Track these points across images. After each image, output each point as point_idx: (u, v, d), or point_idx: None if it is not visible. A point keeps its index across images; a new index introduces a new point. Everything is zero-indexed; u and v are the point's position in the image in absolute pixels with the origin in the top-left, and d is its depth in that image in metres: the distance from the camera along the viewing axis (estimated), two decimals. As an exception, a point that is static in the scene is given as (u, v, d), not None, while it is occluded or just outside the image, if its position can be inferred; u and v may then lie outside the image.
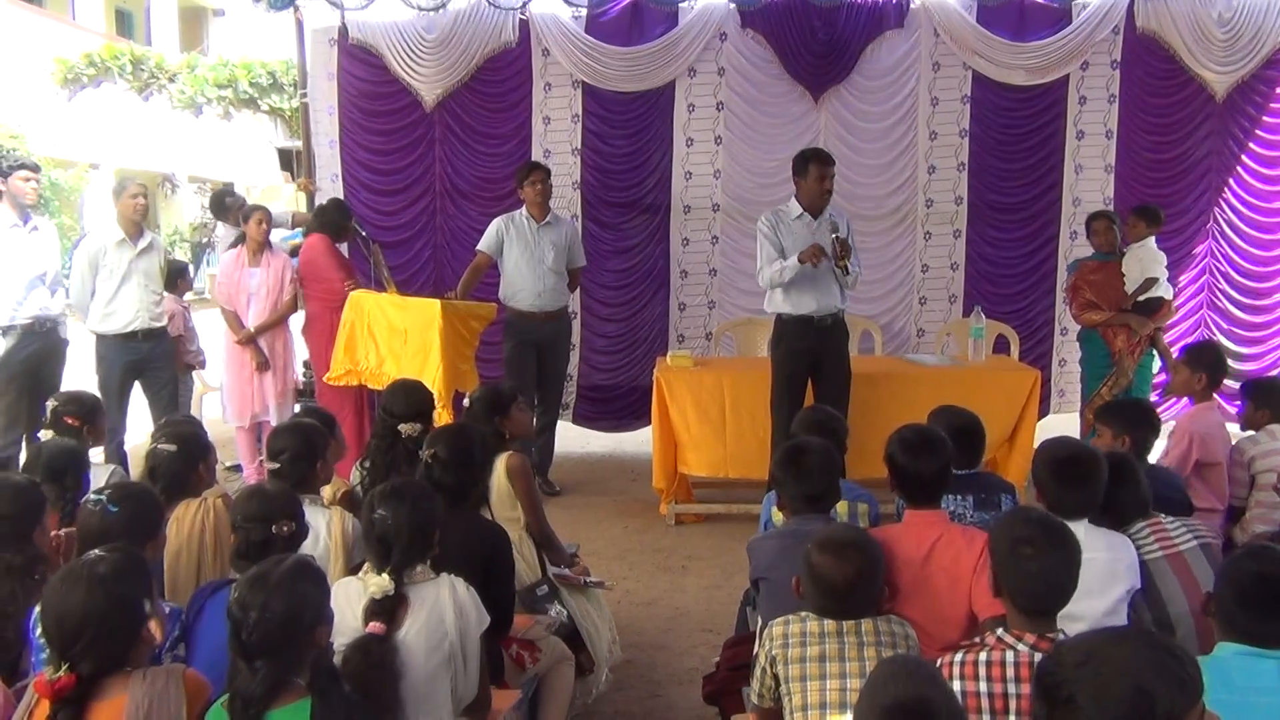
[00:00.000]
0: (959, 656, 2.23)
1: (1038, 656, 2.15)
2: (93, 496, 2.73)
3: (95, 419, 4.04)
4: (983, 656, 2.21)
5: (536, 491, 3.86)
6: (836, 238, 5.21)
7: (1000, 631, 2.26)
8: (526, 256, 6.19)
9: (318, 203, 6.98)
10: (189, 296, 7.34)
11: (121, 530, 2.61)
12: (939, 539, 2.87)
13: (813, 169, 5.35)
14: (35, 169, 5.79)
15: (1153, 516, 3.09)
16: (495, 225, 6.28)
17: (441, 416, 4.71)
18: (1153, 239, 6.17)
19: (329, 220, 6.28)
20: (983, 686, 2.17)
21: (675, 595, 4.93)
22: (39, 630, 2.46)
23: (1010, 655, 2.19)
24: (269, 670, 2.07)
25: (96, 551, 2.24)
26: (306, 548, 2.90)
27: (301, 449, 3.31)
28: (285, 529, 2.69)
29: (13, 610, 2.57)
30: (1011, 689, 2.15)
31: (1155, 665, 1.51)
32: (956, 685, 2.17)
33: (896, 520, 3.59)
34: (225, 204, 7.41)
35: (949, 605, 2.80)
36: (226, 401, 6.28)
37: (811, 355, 5.40)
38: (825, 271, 5.29)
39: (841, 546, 2.42)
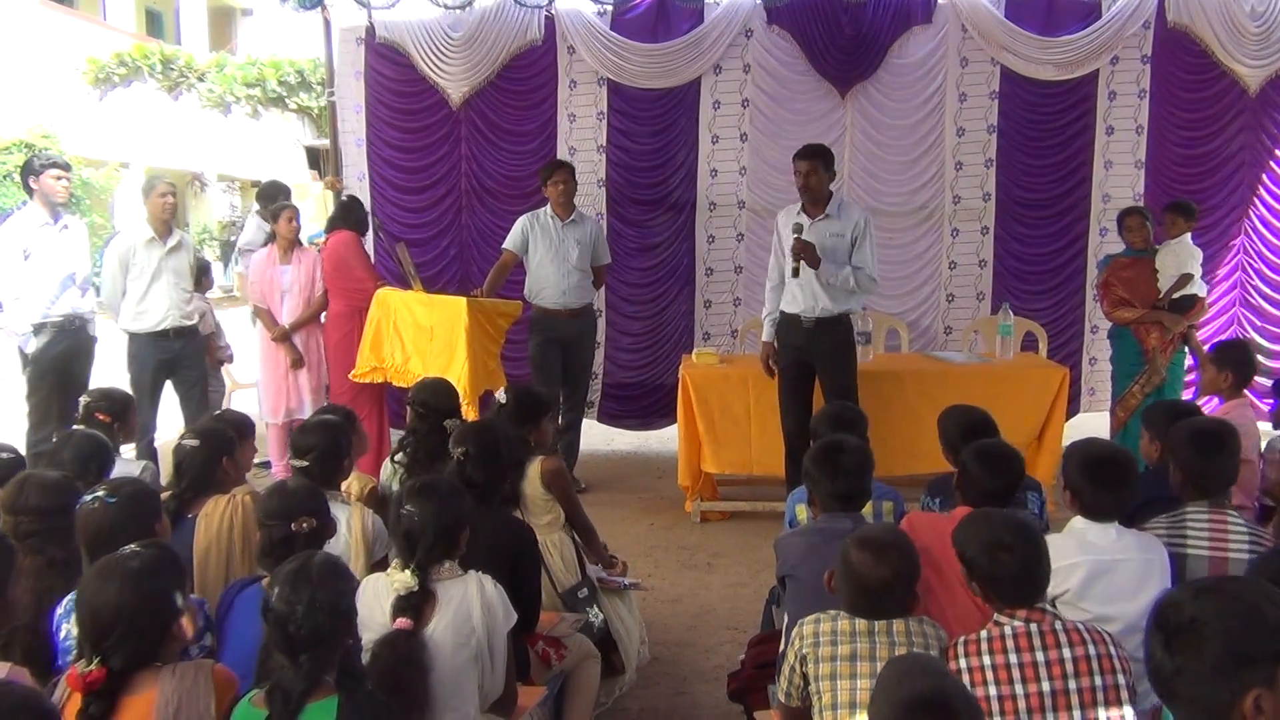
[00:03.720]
0: (961, 639, 2.33)
1: (1032, 626, 2.28)
2: (87, 496, 2.74)
3: (126, 416, 4.09)
4: (983, 634, 2.31)
5: (574, 491, 3.89)
6: (796, 238, 5.15)
7: (995, 616, 2.35)
8: (551, 254, 6.21)
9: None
10: (216, 293, 7.39)
11: (124, 521, 2.63)
12: None
13: (795, 164, 5.30)
14: (66, 167, 5.84)
15: (1222, 507, 2.97)
16: (520, 223, 6.30)
17: (468, 414, 4.72)
18: (1189, 235, 6.10)
19: (355, 216, 6.30)
20: (986, 660, 2.26)
21: (700, 593, 4.93)
22: (63, 630, 2.50)
23: (1008, 629, 2.29)
24: (313, 663, 2.10)
25: (131, 547, 2.26)
26: (328, 544, 2.92)
27: (329, 446, 3.35)
28: (305, 525, 2.70)
29: (47, 604, 2.60)
30: (1013, 659, 2.25)
31: (1266, 594, 1.66)
32: (962, 663, 2.28)
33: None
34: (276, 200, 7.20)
35: None
36: (262, 398, 6.33)
37: (801, 353, 5.36)
38: (809, 272, 5.21)
39: (881, 547, 2.41)
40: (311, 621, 2.10)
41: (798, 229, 5.17)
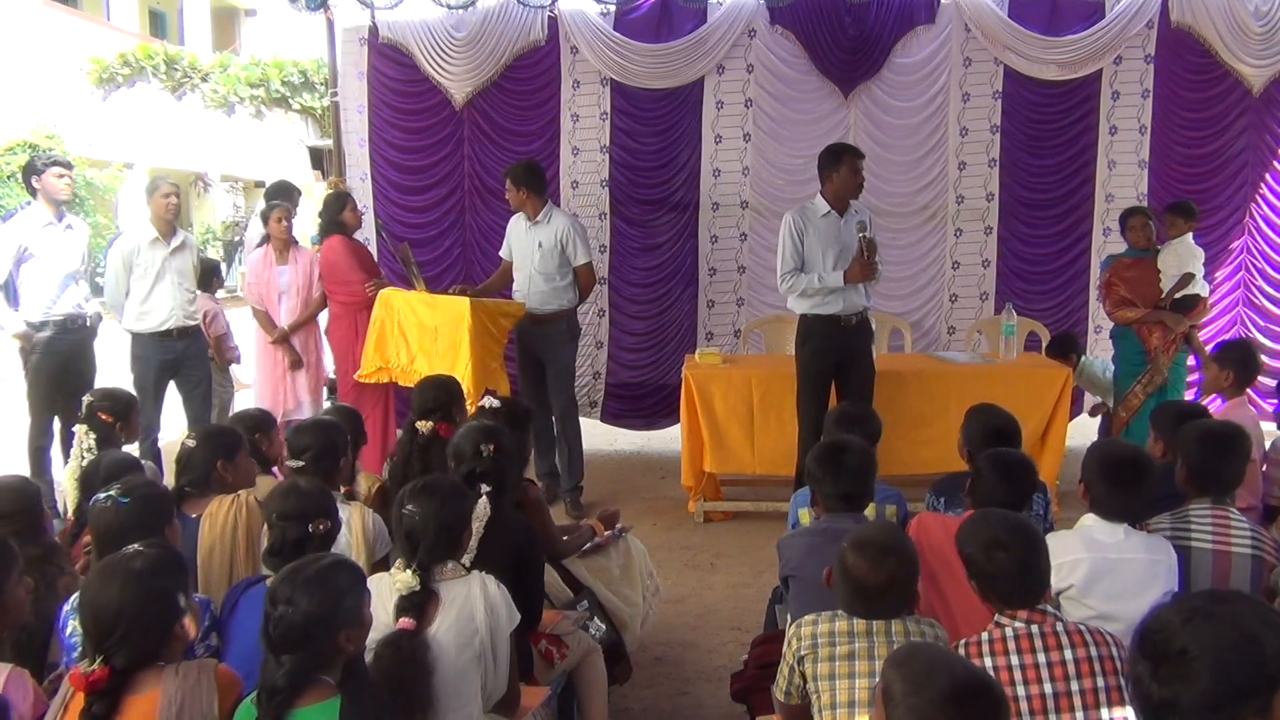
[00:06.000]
0: (962, 641, 2.33)
1: (1034, 628, 2.28)
2: (101, 495, 2.74)
3: (129, 416, 4.10)
4: (984, 636, 2.30)
5: (552, 521, 3.82)
6: (864, 237, 5.17)
7: (996, 617, 2.35)
8: (519, 257, 6.10)
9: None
10: (221, 294, 7.39)
11: (135, 522, 2.63)
12: None
13: (847, 161, 5.24)
14: (68, 165, 5.83)
15: (1224, 504, 3.01)
16: (508, 226, 6.27)
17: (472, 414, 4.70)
18: (1190, 235, 6.10)
19: (334, 216, 6.15)
20: (988, 662, 2.25)
21: (703, 593, 4.93)
22: (69, 628, 2.50)
23: (1009, 630, 2.29)
24: (294, 665, 2.09)
25: (134, 547, 2.26)
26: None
27: (324, 447, 3.34)
28: (321, 527, 2.69)
29: (32, 601, 2.60)
30: (1015, 660, 2.24)
31: (1260, 617, 1.56)
32: None
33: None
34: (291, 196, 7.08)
35: None
36: (258, 399, 6.33)
37: (837, 354, 5.35)
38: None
39: (879, 552, 2.39)
40: (285, 624, 2.09)
41: (863, 228, 5.20)
